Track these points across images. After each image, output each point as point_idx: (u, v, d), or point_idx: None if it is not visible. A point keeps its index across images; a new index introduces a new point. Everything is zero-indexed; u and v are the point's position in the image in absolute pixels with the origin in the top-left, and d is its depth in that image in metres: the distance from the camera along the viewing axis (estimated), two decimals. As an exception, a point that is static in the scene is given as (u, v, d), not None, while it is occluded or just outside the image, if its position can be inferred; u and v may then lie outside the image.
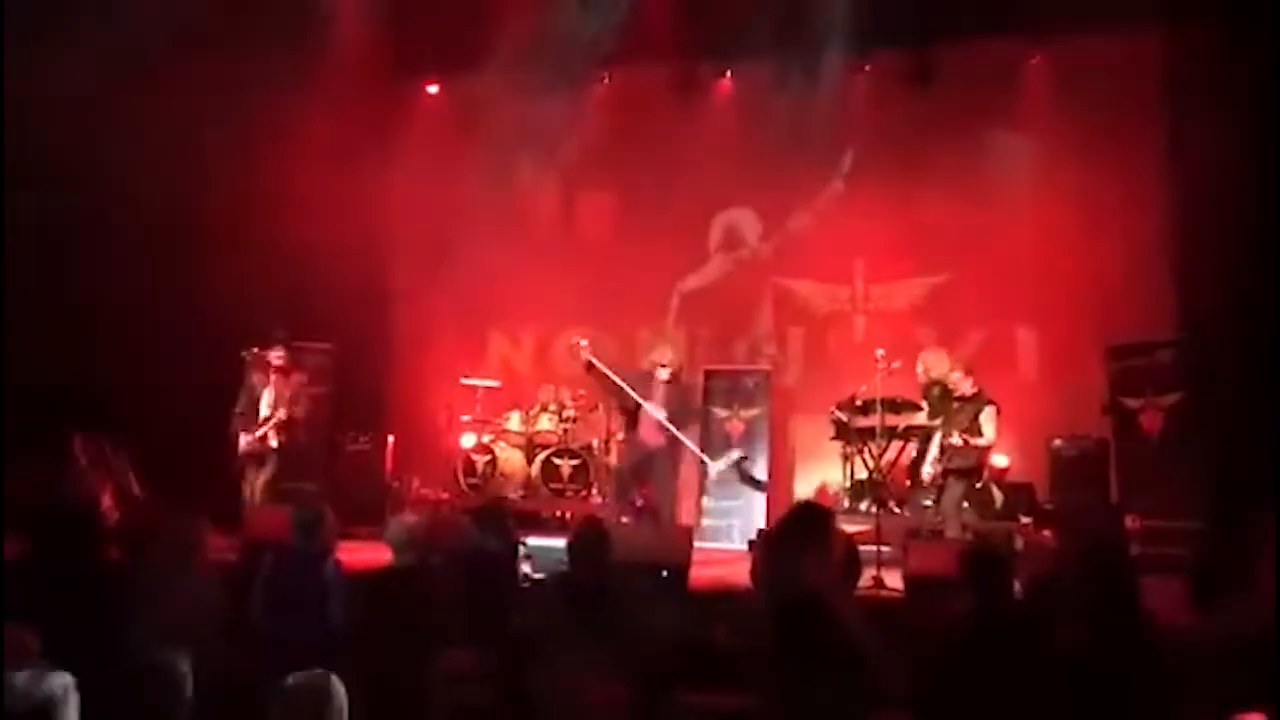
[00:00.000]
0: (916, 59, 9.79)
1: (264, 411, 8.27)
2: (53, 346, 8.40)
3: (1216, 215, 8.37)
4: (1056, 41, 9.41)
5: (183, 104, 8.44)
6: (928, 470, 8.14)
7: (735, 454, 9.30)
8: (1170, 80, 9.05)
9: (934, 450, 8.11)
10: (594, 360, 8.38)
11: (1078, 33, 9.15)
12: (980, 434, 7.78)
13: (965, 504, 7.98)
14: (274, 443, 8.22)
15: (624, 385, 8.31)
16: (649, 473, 8.41)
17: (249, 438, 8.23)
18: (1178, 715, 3.72)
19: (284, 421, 8.24)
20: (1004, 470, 9.03)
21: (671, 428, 8.25)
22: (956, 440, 7.80)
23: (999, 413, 7.82)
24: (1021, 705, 3.74)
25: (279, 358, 8.38)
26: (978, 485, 8.22)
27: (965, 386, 8.03)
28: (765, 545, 4.01)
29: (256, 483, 8.19)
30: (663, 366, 8.44)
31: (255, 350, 8.42)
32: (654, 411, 8.24)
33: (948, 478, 7.92)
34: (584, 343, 8.51)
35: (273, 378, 8.36)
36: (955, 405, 8.04)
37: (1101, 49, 9.24)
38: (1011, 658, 3.90)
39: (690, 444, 8.63)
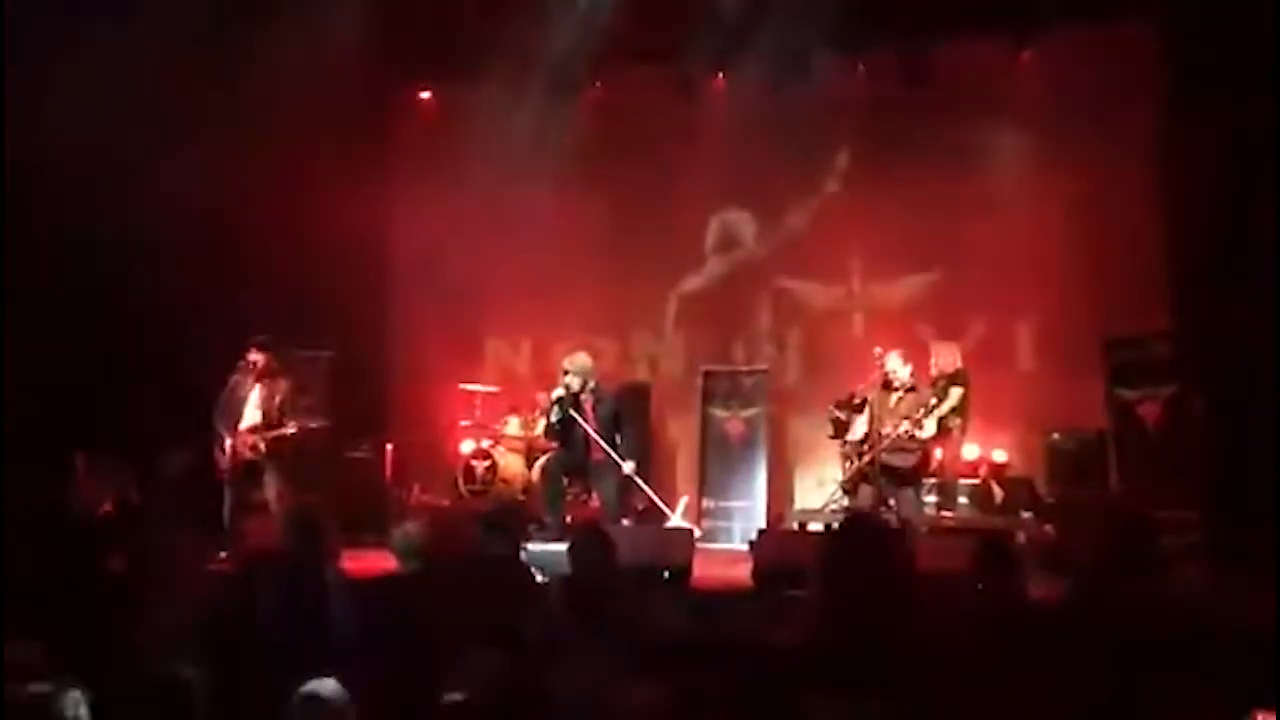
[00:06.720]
0: (910, 57, 9.79)
1: (251, 419, 7.82)
2: (53, 357, 8.40)
3: (1210, 205, 8.39)
4: (1048, 37, 9.40)
5: (174, 109, 8.44)
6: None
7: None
8: (1162, 73, 9.06)
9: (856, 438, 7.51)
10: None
11: (1068, 28, 9.17)
12: (922, 426, 7.20)
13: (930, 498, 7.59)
14: (264, 449, 7.74)
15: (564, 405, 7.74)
16: (592, 482, 8.08)
17: (235, 444, 7.80)
18: (1196, 704, 3.73)
19: (282, 433, 7.78)
20: (1003, 466, 9.05)
21: (603, 443, 7.72)
22: (897, 431, 7.22)
23: (937, 404, 7.41)
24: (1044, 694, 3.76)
25: (256, 360, 7.88)
26: (927, 493, 7.65)
27: (903, 374, 7.51)
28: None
29: (269, 494, 7.81)
30: (569, 374, 7.81)
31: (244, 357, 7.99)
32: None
33: (881, 474, 7.22)
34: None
35: (256, 384, 7.89)
36: (897, 395, 7.53)
37: (1093, 43, 9.26)
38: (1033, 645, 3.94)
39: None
